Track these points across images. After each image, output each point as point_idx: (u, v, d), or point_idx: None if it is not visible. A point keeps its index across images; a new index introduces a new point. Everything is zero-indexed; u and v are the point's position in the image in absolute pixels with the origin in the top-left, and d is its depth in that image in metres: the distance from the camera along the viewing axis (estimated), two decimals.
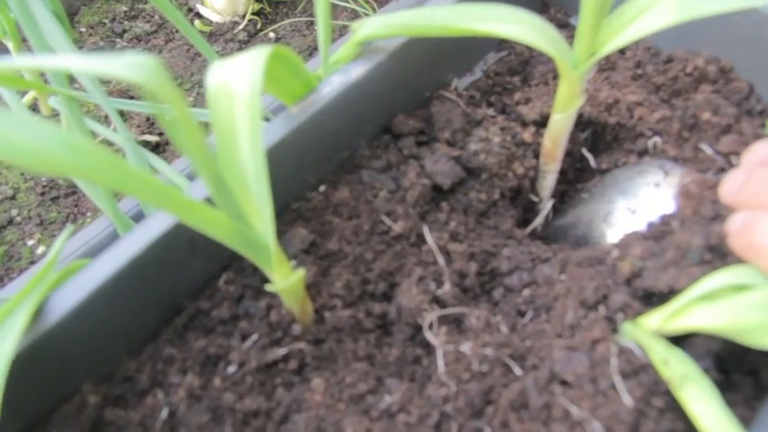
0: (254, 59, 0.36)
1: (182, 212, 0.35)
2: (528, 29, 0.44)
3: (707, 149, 0.53)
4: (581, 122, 0.60)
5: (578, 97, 0.49)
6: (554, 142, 0.53)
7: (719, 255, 0.43)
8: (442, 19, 0.45)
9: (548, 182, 0.57)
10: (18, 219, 0.79)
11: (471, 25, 0.44)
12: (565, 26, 0.68)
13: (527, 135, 0.57)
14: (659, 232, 0.49)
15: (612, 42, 0.46)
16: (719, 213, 0.45)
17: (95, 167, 0.29)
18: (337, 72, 0.49)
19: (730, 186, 0.43)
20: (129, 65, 0.29)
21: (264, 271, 0.41)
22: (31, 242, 0.77)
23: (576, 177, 0.61)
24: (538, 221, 0.57)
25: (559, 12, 0.70)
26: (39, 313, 0.39)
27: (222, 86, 0.36)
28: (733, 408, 0.41)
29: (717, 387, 0.39)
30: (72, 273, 0.44)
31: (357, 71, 0.49)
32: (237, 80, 0.36)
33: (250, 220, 0.39)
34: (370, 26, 0.48)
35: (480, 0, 0.45)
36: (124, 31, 0.99)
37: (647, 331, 0.42)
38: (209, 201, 0.42)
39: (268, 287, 0.41)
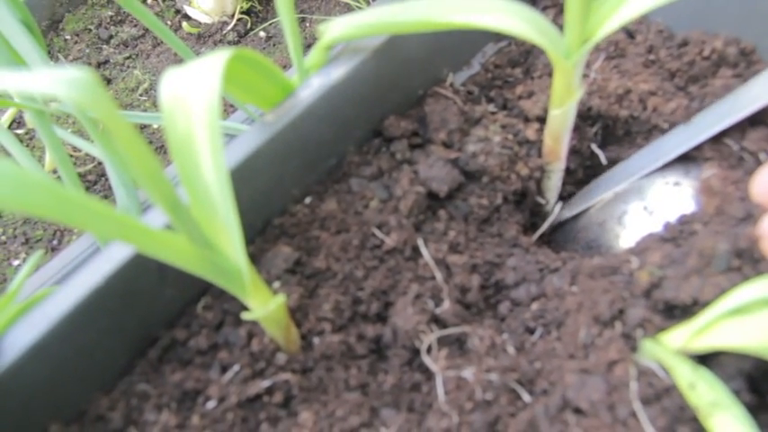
0: (211, 66, 0.32)
1: (138, 242, 0.31)
2: (512, 18, 0.40)
3: (732, 145, 0.48)
4: (590, 116, 0.55)
5: (576, 90, 0.45)
6: (555, 139, 0.49)
7: (750, 261, 0.38)
8: (416, 14, 0.41)
9: (553, 182, 0.53)
10: (3, 238, 0.75)
11: (449, 19, 0.40)
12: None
13: (531, 132, 0.52)
14: (680, 234, 0.44)
15: (606, 25, 0.41)
16: (750, 213, 0.40)
17: (33, 200, 0.26)
18: (317, 73, 0.44)
19: (762, 183, 0.39)
20: (61, 81, 0.25)
21: (240, 298, 0.38)
22: (16, 262, 0.73)
23: (586, 176, 0.57)
24: (545, 227, 0.53)
25: None
26: None
27: (177, 99, 0.32)
28: None
29: (749, 409, 0.35)
30: (34, 304, 0.41)
31: (338, 71, 0.44)
32: (193, 91, 0.32)
33: (218, 246, 0.35)
34: (338, 28, 0.43)
35: None
36: (110, 37, 0.95)
37: (669, 350, 0.38)
38: (170, 227, 0.38)
39: (245, 315, 0.38)
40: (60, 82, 0.25)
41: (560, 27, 0.43)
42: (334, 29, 0.43)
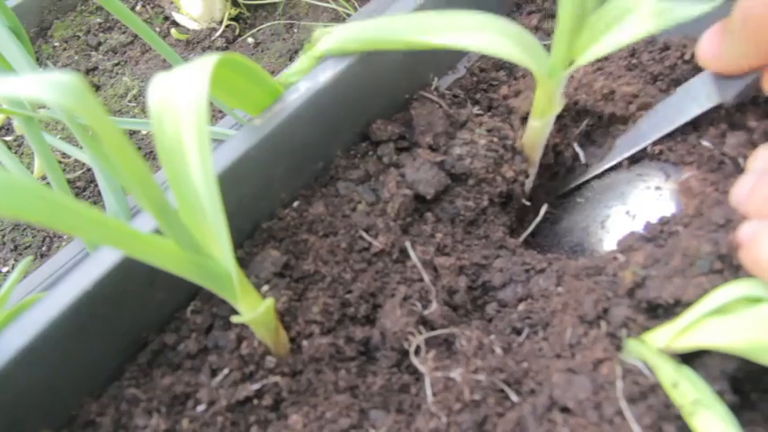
0: (199, 70, 0.32)
1: (128, 246, 0.31)
2: (496, 38, 0.40)
3: (712, 149, 0.49)
4: (576, 110, 0.55)
5: (556, 105, 0.45)
6: (531, 148, 0.51)
7: (730, 266, 0.39)
8: (403, 32, 0.42)
9: (526, 184, 0.54)
10: None
11: (434, 40, 0.41)
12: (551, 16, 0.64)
13: (515, 136, 0.52)
14: (660, 234, 0.45)
15: (588, 52, 0.42)
16: (729, 218, 0.41)
17: (23, 205, 0.26)
18: (304, 78, 0.45)
19: (739, 192, 0.40)
20: (49, 85, 0.25)
21: (230, 302, 0.38)
22: (5, 269, 0.73)
23: (566, 175, 0.57)
24: (531, 229, 0.53)
25: None
26: None
27: (165, 103, 0.32)
28: (752, 428, 0.37)
29: (733, 410, 0.35)
30: (23, 310, 0.41)
31: (325, 75, 0.45)
32: (181, 95, 0.32)
33: (208, 249, 0.35)
34: (329, 41, 0.45)
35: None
36: (99, 44, 0.96)
37: (653, 349, 0.38)
38: (159, 231, 0.38)
39: (235, 319, 0.38)
40: (48, 86, 0.25)
41: (545, 32, 0.44)
42: (325, 43, 0.45)
